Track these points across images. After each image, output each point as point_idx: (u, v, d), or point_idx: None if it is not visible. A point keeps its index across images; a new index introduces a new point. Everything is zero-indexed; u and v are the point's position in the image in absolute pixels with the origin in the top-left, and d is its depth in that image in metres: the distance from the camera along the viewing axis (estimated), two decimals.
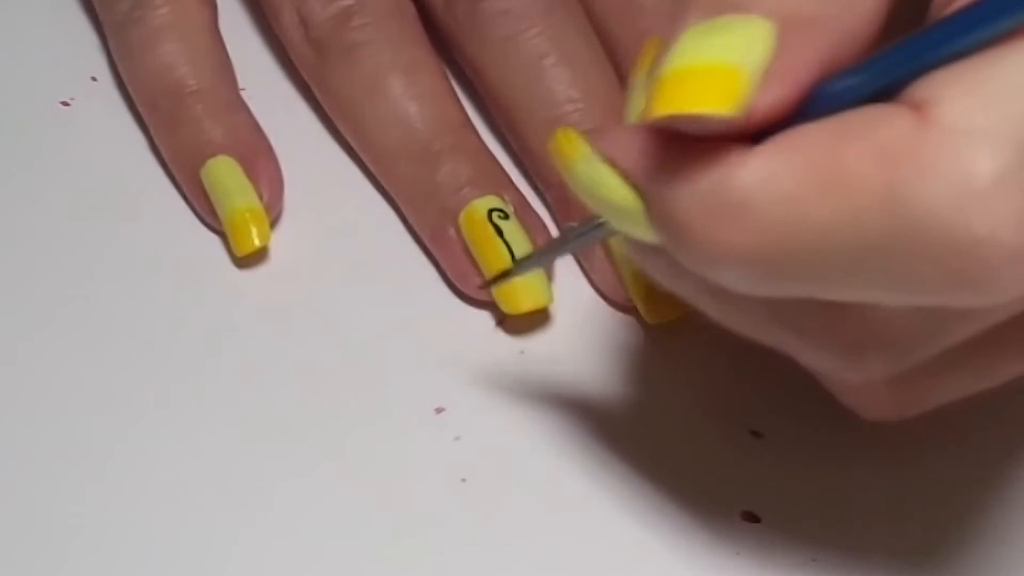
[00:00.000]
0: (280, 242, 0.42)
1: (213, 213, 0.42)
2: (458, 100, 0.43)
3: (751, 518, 0.38)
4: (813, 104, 0.30)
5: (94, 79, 0.46)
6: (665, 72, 0.29)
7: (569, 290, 0.42)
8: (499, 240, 0.41)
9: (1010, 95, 0.28)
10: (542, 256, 0.40)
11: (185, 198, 0.43)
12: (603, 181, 0.32)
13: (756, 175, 0.29)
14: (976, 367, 0.34)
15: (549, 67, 0.42)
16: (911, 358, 0.32)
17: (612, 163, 0.32)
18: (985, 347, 0.33)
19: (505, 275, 0.40)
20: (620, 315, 0.41)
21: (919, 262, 0.29)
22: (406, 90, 0.43)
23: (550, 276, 0.42)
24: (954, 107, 0.28)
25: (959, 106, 0.28)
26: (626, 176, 0.31)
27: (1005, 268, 0.28)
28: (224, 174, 0.42)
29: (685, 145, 0.30)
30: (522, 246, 0.41)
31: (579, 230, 0.36)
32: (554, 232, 0.42)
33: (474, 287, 0.41)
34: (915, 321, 0.31)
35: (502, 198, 0.41)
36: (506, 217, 0.41)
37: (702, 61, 0.29)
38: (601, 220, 0.34)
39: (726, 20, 0.30)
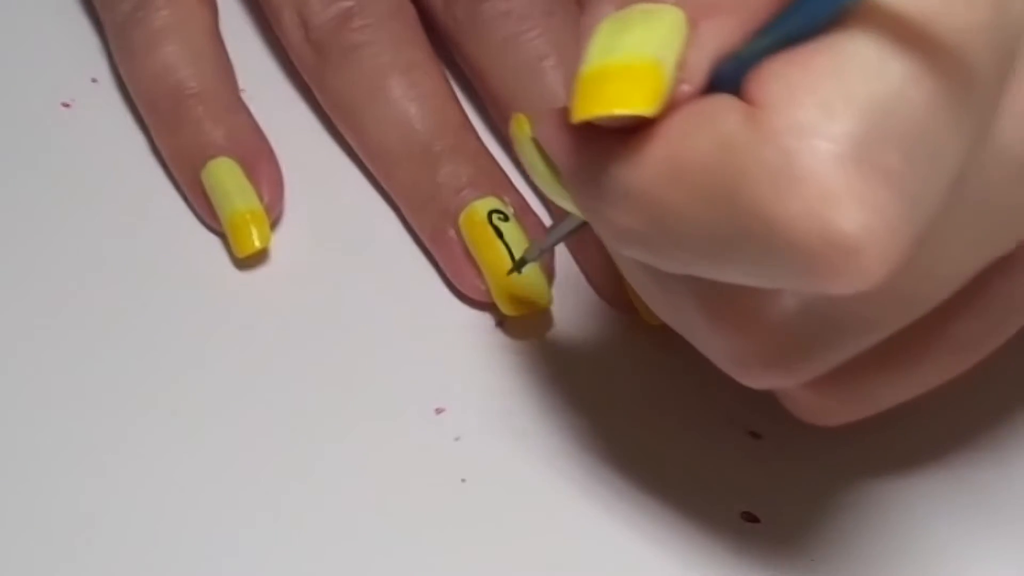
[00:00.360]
0: (280, 243, 0.42)
1: (214, 214, 0.42)
2: (458, 101, 0.44)
3: (750, 518, 0.38)
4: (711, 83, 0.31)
5: (95, 80, 0.46)
6: (585, 71, 0.30)
7: (569, 291, 0.42)
8: (499, 241, 0.41)
9: (830, 89, 0.28)
10: (546, 242, 0.40)
11: (186, 199, 0.43)
12: (535, 162, 0.34)
13: (627, 166, 0.30)
14: (905, 370, 0.34)
15: (549, 68, 0.42)
16: (802, 371, 0.33)
17: (540, 147, 0.33)
18: (908, 350, 0.33)
19: (520, 265, 0.40)
20: (620, 316, 0.41)
21: (766, 254, 0.29)
22: (406, 91, 0.43)
23: (550, 278, 0.42)
24: (779, 104, 0.29)
25: (783, 102, 0.29)
26: (551, 159, 0.33)
27: (849, 256, 0.28)
28: (225, 175, 0.42)
29: (584, 135, 0.31)
30: (522, 247, 0.41)
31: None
32: None
33: (474, 288, 0.41)
34: (800, 333, 0.32)
35: (502, 199, 0.42)
36: (506, 218, 0.41)
37: (620, 59, 0.30)
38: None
39: (639, 11, 0.30)
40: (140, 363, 0.40)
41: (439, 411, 0.40)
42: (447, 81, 0.44)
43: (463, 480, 0.38)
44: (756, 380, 0.33)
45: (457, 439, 0.39)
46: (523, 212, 0.42)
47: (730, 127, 0.29)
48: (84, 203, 0.43)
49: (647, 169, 0.30)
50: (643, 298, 0.35)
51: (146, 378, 0.40)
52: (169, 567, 0.37)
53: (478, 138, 0.43)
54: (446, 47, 0.45)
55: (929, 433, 0.39)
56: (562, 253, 0.42)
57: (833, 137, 0.28)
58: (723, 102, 0.29)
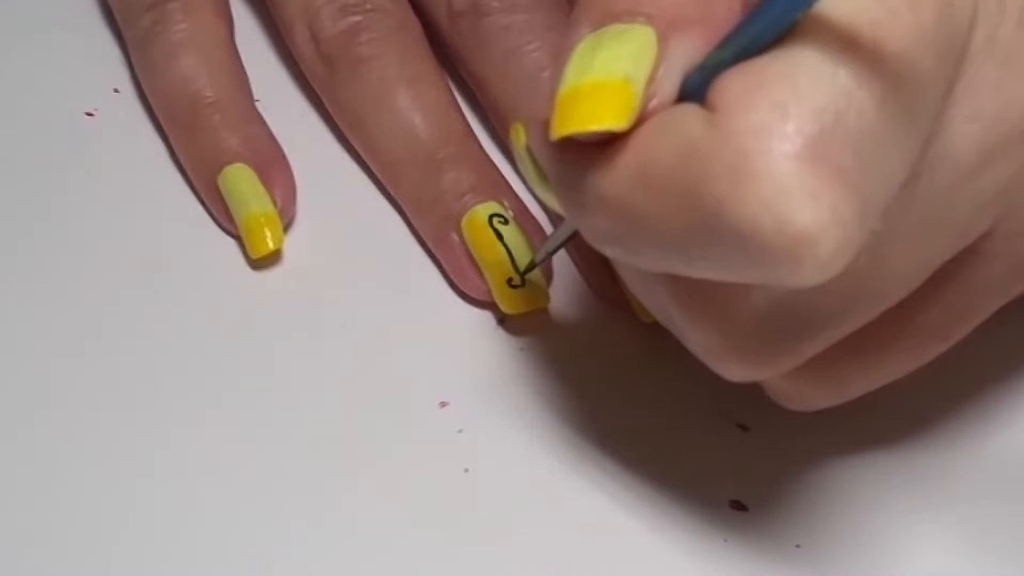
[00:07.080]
0: (293, 245, 0.43)
1: (230, 218, 0.43)
2: (461, 111, 0.44)
3: (738, 507, 0.38)
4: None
5: (117, 91, 0.46)
6: (561, 92, 0.31)
7: (567, 291, 0.42)
8: (499, 244, 0.41)
9: (782, 92, 0.29)
10: (549, 245, 0.41)
11: (203, 203, 0.44)
12: (529, 169, 0.35)
13: (602, 173, 0.31)
14: (876, 358, 0.35)
15: (548, 80, 0.42)
16: (775, 364, 0.33)
17: (533, 155, 0.34)
18: (879, 339, 0.34)
19: (530, 268, 0.41)
20: (615, 314, 0.42)
21: (728, 249, 0.30)
22: (411, 102, 0.43)
23: (549, 278, 0.42)
24: (736, 107, 0.29)
25: (740, 106, 0.29)
26: (540, 165, 0.34)
27: (804, 248, 0.29)
28: (240, 181, 0.43)
29: (566, 147, 0.32)
30: (521, 250, 0.41)
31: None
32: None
33: (476, 288, 0.42)
34: (771, 328, 0.33)
35: (502, 204, 0.42)
36: (506, 222, 0.42)
37: (593, 78, 0.31)
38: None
39: (613, 31, 0.31)
40: (160, 360, 0.41)
41: (443, 405, 0.40)
42: (451, 92, 0.44)
43: (466, 470, 0.39)
44: (733, 372, 0.34)
45: (460, 431, 0.40)
46: (522, 216, 0.42)
47: (692, 132, 0.30)
48: (106, 207, 0.44)
49: (619, 176, 0.31)
50: (635, 295, 0.36)
51: (165, 374, 0.40)
52: (173, 562, 0.37)
53: (480, 146, 0.44)
54: (450, 60, 0.45)
55: (916, 423, 0.40)
56: (560, 253, 0.42)
57: (786, 136, 0.29)
58: (686, 110, 0.30)
